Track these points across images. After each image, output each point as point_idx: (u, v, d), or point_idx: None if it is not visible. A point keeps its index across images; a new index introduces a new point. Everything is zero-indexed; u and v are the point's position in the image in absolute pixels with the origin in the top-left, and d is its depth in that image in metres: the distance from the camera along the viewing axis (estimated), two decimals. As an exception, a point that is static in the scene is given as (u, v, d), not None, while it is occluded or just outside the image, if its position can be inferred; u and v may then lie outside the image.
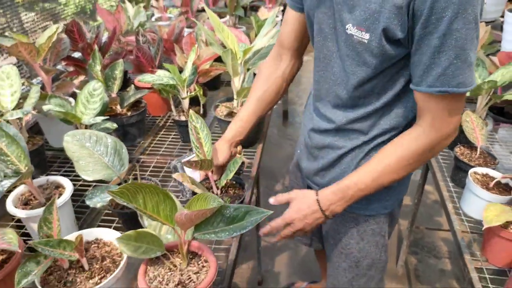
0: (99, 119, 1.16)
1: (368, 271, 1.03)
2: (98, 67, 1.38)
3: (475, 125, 1.18)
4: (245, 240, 1.96)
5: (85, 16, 2.13)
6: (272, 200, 0.92)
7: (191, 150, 1.41)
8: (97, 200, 0.90)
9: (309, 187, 1.08)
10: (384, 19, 0.70)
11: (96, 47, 1.43)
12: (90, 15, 2.17)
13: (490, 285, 0.90)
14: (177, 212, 0.68)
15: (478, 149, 1.19)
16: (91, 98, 1.20)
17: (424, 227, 1.83)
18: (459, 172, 1.18)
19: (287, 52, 1.02)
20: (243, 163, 1.24)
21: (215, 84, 1.87)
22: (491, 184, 1.04)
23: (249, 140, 1.40)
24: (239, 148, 1.34)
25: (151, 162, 1.39)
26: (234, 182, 1.11)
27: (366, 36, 0.73)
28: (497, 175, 1.08)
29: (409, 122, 0.85)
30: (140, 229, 0.77)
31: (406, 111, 0.85)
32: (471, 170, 1.10)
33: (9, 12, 1.48)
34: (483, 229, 0.87)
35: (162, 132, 1.57)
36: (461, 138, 1.26)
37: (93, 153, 1.01)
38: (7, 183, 0.91)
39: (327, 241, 1.08)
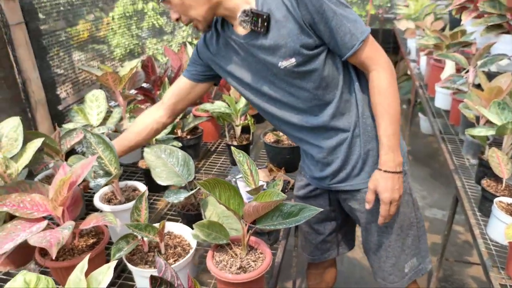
0: (171, 136, 1.37)
1: (410, 231, 1.17)
2: (168, 96, 1.62)
3: (500, 160, 1.30)
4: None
5: (133, 58, 2.37)
6: (368, 206, 1.08)
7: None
8: (173, 198, 1.09)
9: (326, 194, 1.27)
10: (298, 41, 0.98)
11: (166, 79, 1.68)
12: (137, 56, 2.42)
13: (513, 300, 0.99)
14: (246, 204, 0.86)
15: (504, 182, 1.30)
16: (164, 119, 1.42)
17: (454, 260, 1.89)
18: (485, 202, 1.29)
19: (166, 107, 1.25)
20: (289, 182, 1.41)
21: (261, 117, 2.08)
22: (515, 211, 1.15)
23: (291, 167, 1.57)
24: (282, 171, 1.52)
25: (205, 180, 1.58)
26: None
27: (293, 60, 1.00)
28: (521, 204, 1.19)
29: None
30: (211, 219, 0.95)
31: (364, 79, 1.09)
32: (496, 199, 1.21)
33: (63, 52, 1.71)
34: (500, 244, 0.98)
35: (214, 156, 1.78)
36: (488, 173, 1.38)
37: (166, 163, 1.21)
38: (101, 180, 1.12)
39: (369, 231, 1.19)
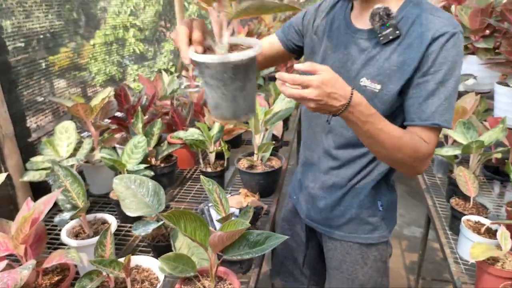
0: (142, 166, 1.37)
1: None
2: (140, 125, 1.62)
3: (467, 179, 1.33)
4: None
5: (114, 84, 2.38)
6: (298, 66, 0.80)
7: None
8: (141, 230, 1.07)
9: (308, 228, 1.25)
10: (402, 79, 0.91)
11: (139, 108, 1.68)
12: (118, 83, 2.41)
13: (483, 319, 1.00)
14: (211, 234, 0.85)
15: (471, 200, 1.33)
16: (135, 149, 1.42)
17: (431, 278, 1.89)
18: (455, 220, 1.32)
19: None
20: (262, 208, 1.41)
21: (236, 142, 2.10)
22: (482, 229, 1.18)
23: (266, 191, 1.58)
24: (257, 197, 1.52)
25: (179, 208, 1.56)
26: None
27: (378, 86, 0.93)
28: (487, 221, 1.21)
29: None
30: (177, 252, 0.93)
31: None
32: (464, 217, 1.23)
33: (44, 79, 1.71)
34: (469, 262, 1.00)
35: (189, 183, 1.77)
36: (457, 191, 1.41)
37: (136, 193, 1.20)
38: (67, 215, 1.10)
39: (332, 274, 1.20)
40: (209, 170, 1.64)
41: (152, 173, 1.42)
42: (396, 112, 0.98)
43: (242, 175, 1.60)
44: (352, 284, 1.15)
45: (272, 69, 2.79)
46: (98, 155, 1.54)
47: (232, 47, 0.76)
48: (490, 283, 1.02)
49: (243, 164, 1.61)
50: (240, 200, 1.47)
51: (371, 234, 1.11)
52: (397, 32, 0.91)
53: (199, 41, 0.73)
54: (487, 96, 2.14)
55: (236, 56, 0.69)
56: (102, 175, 1.61)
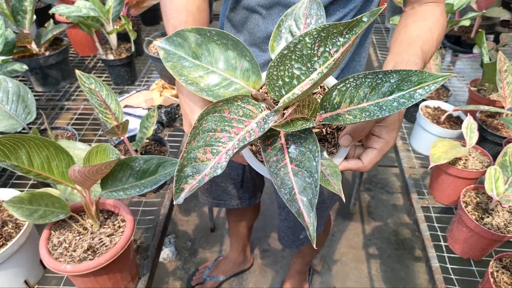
0: (5, 59, 0.97)
1: (323, 204, 0.98)
2: (-1, -3, 1.15)
3: (429, 55, 1.08)
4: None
5: None
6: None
7: (124, 92, 1.26)
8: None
9: None
10: None
11: (-5, -28, 1.18)
12: None
13: (436, 224, 0.86)
14: (69, 169, 0.56)
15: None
16: (-13, 34, 1.00)
17: (377, 165, 1.82)
18: (410, 106, 1.11)
19: None
20: (178, 106, 1.11)
21: (152, 17, 1.67)
22: (442, 118, 0.98)
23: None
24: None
25: (77, 109, 1.23)
26: (153, 142, 0.97)
27: None
28: (449, 108, 1.01)
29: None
30: (35, 190, 0.65)
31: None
32: (422, 104, 1.02)
33: None
34: (429, 168, 0.81)
35: (92, 74, 1.39)
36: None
37: (-11, 100, 0.85)
38: None
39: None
40: (110, 57, 1.26)
41: (25, 67, 1.04)
42: None
43: (154, 62, 1.24)
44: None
45: None
46: None
47: None
48: (449, 184, 0.85)
49: (155, 48, 1.25)
50: (151, 97, 1.16)
51: None
52: None
53: None
54: None
55: None
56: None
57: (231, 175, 1.04)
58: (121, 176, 0.63)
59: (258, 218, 1.41)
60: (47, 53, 1.24)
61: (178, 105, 1.12)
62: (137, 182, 0.62)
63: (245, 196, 1.10)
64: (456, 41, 1.46)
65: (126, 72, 1.30)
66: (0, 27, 1.01)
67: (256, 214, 1.37)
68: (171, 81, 1.24)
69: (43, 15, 1.53)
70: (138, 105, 1.08)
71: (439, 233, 0.84)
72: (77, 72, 0.80)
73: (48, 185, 0.89)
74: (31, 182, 0.95)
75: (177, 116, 1.12)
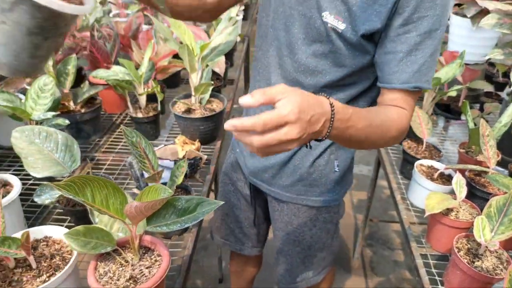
0: (50, 114, 1.12)
1: (320, 253, 1.08)
2: (49, 62, 1.34)
3: (421, 120, 1.24)
4: (206, 239, 1.96)
5: None
6: (243, 100, 0.54)
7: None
8: (46, 197, 0.88)
9: (252, 186, 1.11)
10: (368, 15, 0.71)
11: (47, 41, 1.38)
12: None
13: (433, 269, 0.95)
14: (127, 205, 0.68)
15: (424, 143, 1.26)
16: (41, 93, 1.16)
17: (378, 220, 1.91)
18: (407, 164, 1.24)
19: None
20: (201, 158, 1.25)
21: (174, 81, 1.86)
22: (435, 175, 1.11)
23: (207, 138, 1.41)
24: (197, 144, 1.34)
25: (107, 160, 1.36)
26: (179, 190, 1.09)
27: (343, 25, 0.73)
28: (441, 166, 1.15)
29: None
30: (89, 225, 0.76)
31: (367, 106, 0.88)
32: (417, 162, 1.16)
33: None
34: (425, 216, 0.92)
35: (119, 130, 1.54)
36: (409, 133, 1.32)
37: (42, 149, 0.98)
38: None
39: (278, 235, 1.10)
40: (139, 115, 1.42)
41: (67, 122, 1.18)
42: (364, 69, 0.80)
43: (178, 120, 1.40)
44: (299, 245, 1.06)
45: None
46: (-3, 100, 1.26)
47: None
48: (444, 233, 0.96)
49: (179, 108, 1.41)
50: (176, 150, 1.29)
51: (322, 196, 0.98)
52: None
53: None
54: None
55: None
56: (9, 124, 1.33)
57: (239, 218, 1.16)
58: (165, 213, 0.74)
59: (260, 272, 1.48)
60: (82, 110, 1.40)
61: (200, 158, 1.25)
62: (179, 219, 0.73)
63: (248, 244, 1.21)
64: (446, 109, 1.64)
65: (152, 128, 1.46)
66: (52, 87, 1.18)
67: (257, 267, 1.44)
68: (191, 136, 1.39)
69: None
70: (166, 157, 1.21)
71: (436, 277, 0.93)
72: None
73: (87, 223, 0.99)
74: (66, 223, 1.05)
75: (198, 168, 1.25)
